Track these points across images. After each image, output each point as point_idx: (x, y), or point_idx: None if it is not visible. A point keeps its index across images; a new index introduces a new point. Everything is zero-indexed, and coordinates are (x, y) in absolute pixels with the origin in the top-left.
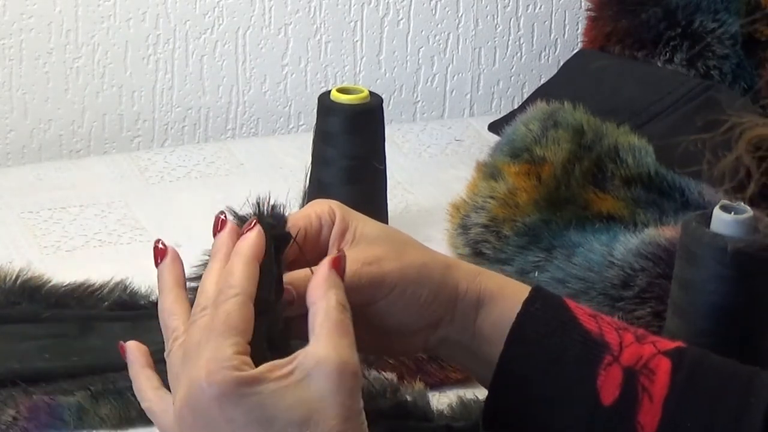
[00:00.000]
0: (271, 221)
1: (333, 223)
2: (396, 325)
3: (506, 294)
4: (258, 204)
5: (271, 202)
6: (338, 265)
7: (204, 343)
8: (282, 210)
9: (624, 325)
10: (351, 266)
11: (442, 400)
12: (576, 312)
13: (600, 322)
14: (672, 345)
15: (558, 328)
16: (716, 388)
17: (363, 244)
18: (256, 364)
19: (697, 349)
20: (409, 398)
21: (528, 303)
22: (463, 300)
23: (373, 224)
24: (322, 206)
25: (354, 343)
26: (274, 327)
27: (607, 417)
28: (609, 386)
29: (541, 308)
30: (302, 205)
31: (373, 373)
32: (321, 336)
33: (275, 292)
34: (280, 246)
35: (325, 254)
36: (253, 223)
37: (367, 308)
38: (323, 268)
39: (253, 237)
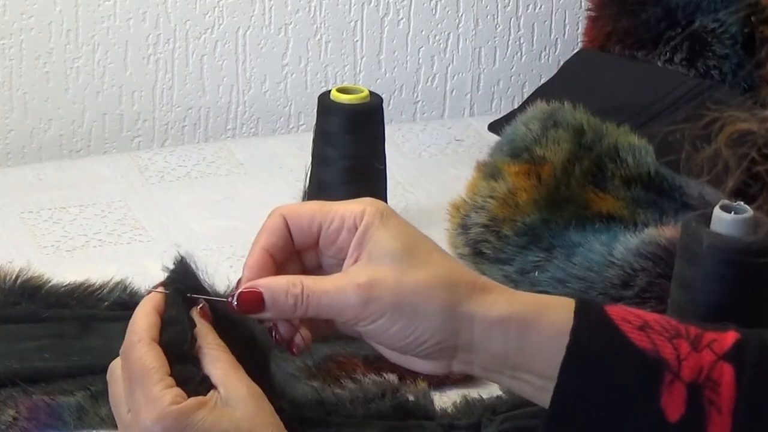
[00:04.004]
0: (175, 276)
1: (355, 229)
2: (404, 349)
3: (544, 323)
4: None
5: (180, 258)
6: (204, 315)
7: (129, 394)
8: (188, 265)
9: (675, 330)
10: (343, 283)
11: (444, 400)
12: (625, 330)
13: (651, 335)
14: (729, 342)
15: (612, 355)
16: None
17: (365, 262)
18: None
19: (753, 337)
20: (411, 398)
21: (576, 332)
22: (482, 334)
23: (390, 239)
24: (349, 209)
25: (239, 367)
26: (190, 369)
27: None
28: (674, 404)
29: (590, 337)
30: None
31: (372, 376)
32: (217, 376)
33: (190, 338)
34: (193, 297)
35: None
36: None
37: (367, 327)
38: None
39: (153, 294)
